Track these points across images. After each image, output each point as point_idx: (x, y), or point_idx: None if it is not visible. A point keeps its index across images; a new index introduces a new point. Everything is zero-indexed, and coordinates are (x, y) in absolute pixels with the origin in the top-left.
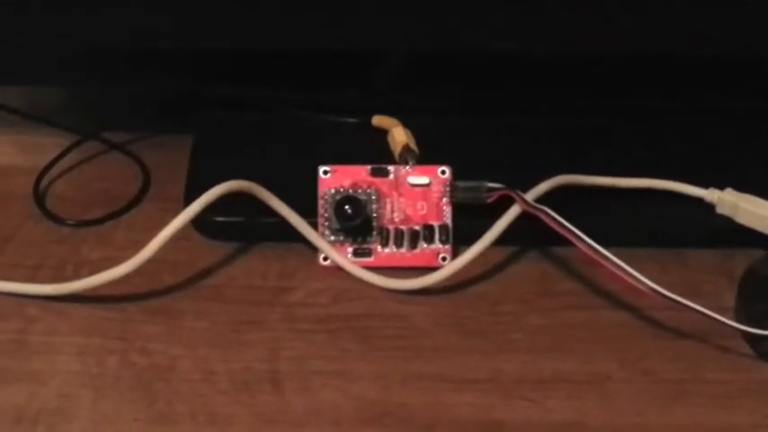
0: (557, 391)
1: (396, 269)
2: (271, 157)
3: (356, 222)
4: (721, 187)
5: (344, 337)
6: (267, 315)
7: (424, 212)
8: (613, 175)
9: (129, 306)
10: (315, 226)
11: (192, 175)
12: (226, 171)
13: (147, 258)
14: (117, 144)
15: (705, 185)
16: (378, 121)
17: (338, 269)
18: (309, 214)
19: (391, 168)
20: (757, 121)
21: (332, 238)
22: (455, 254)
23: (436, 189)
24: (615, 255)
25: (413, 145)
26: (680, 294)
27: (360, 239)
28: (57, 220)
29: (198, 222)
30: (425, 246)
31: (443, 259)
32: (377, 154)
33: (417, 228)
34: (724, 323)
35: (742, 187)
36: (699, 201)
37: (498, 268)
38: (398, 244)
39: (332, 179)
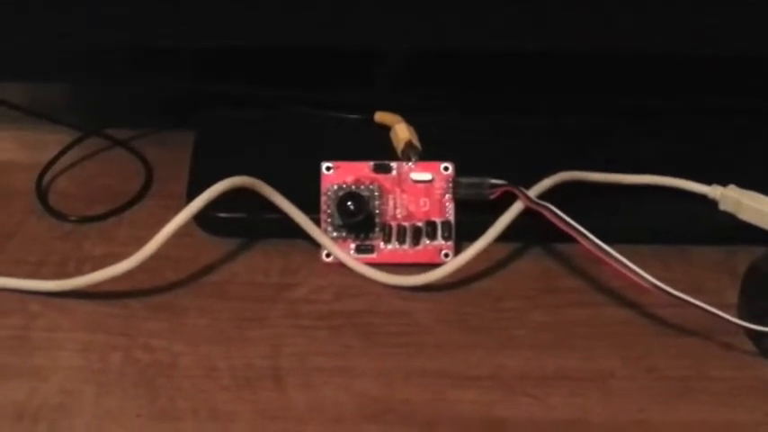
0: (559, 387)
1: (398, 266)
2: (273, 154)
3: (359, 219)
4: (724, 184)
5: (347, 333)
6: (269, 311)
7: (426, 209)
8: (616, 172)
9: (131, 302)
10: (317, 222)
11: (194, 171)
12: (228, 168)
13: (150, 255)
14: (119, 141)
15: (708, 182)
16: (380, 117)
17: (341, 266)
18: (312, 210)
19: (394, 165)
20: (758, 120)
21: (334, 234)
22: (458, 250)
23: (439, 185)
24: (618, 251)
25: (416, 141)
26: (683, 291)
27: (362, 236)
28: (59, 216)
29: (200, 219)
30: (428, 242)
31: (446, 256)
32: (379, 150)
33: (420, 224)
34: (727, 320)
35: (745, 184)
36: (702, 198)
37: (501, 265)
38: (401, 240)
39: (334, 175)
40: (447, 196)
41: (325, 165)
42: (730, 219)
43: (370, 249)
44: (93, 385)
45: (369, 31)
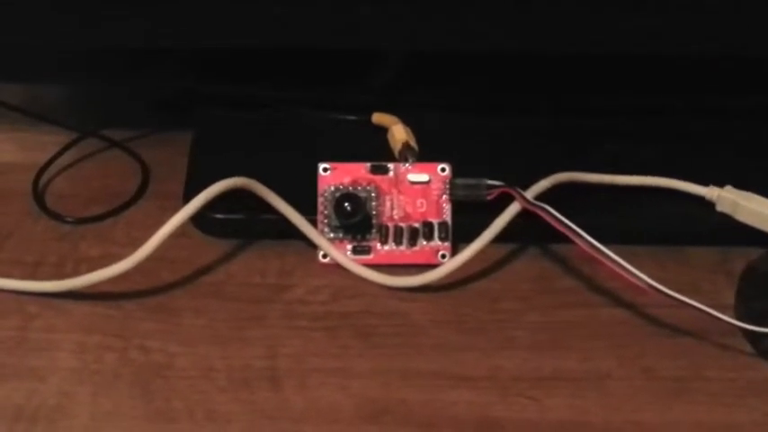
0: (556, 388)
1: (395, 266)
2: (270, 155)
3: (356, 220)
4: (721, 185)
5: (344, 334)
6: (266, 312)
7: (423, 210)
8: (613, 173)
9: (128, 303)
10: (314, 223)
11: (191, 172)
12: (225, 168)
13: (147, 255)
14: (116, 141)
15: (705, 183)
16: (377, 118)
17: (337, 266)
18: (309, 211)
19: (391, 166)
20: (757, 120)
21: (331, 235)
22: (454, 251)
23: (436, 186)
24: (615, 252)
25: (412, 142)
26: (679, 292)
27: (359, 237)
28: (56, 217)
29: (197, 219)
30: (425, 243)
31: (443, 257)
32: (376, 151)
33: (417, 225)
34: (724, 321)
35: (742, 185)
36: (699, 198)
37: (498, 266)
38: (398, 241)
39: (331, 176)
40: (444, 197)
41: (322, 166)
42: (727, 220)
43: (367, 250)
44: (90, 386)
45: (367, 32)
